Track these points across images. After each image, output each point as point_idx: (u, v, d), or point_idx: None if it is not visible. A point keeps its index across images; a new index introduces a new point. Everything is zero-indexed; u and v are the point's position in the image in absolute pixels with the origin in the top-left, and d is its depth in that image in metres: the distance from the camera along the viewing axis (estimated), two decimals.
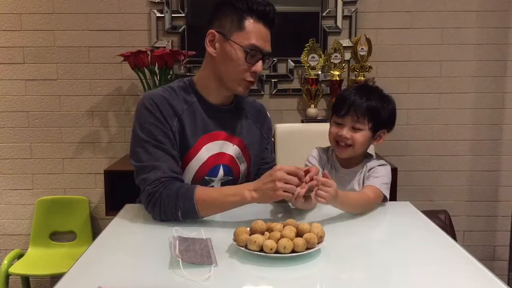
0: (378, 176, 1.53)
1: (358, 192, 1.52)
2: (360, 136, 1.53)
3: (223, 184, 1.53)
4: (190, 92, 1.51)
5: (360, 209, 1.44)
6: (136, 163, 1.42)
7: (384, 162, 1.61)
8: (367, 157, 1.63)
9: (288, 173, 1.27)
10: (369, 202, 1.47)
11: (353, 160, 1.61)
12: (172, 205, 1.34)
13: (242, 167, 1.58)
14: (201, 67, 1.55)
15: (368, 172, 1.57)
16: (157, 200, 1.35)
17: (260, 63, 1.45)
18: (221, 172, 1.52)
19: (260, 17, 1.43)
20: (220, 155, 1.52)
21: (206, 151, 1.49)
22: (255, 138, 1.62)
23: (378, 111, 1.54)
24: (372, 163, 1.59)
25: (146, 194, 1.37)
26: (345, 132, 1.53)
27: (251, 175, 1.63)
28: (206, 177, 1.50)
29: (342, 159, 1.61)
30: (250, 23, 1.42)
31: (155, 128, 1.42)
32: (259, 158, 1.66)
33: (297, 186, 1.28)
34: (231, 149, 1.54)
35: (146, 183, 1.38)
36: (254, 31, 1.42)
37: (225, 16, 1.45)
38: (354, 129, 1.53)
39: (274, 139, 2.32)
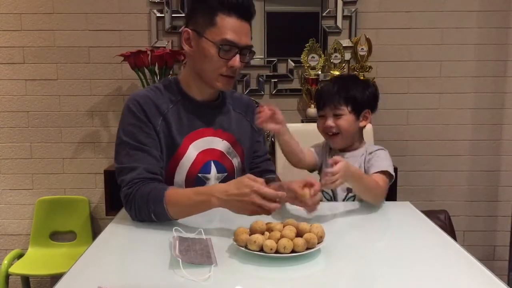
0: (381, 159, 1.57)
1: (371, 176, 1.52)
2: (343, 121, 1.59)
3: (221, 182, 1.52)
4: (175, 91, 1.51)
5: (371, 193, 1.47)
6: (117, 165, 1.44)
7: (383, 147, 1.65)
8: (365, 143, 1.67)
9: (265, 197, 1.21)
10: (381, 189, 1.49)
11: (349, 147, 1.65)
12: (145, 207, 1.34)
13: (235, 161, 1.57)
14: (184, 66, 1.56)
15: (369, 155, 1.60)
16: (132, 202, 1.36)
17: (237, 57, 1.43)
18: (213, 168, 1.52)
19: (232, 9, 1.40)
20: (209, 151, 1.52)
21: (194, 149, 1.49)
22: (245, 131, 1.62)
23: (352, 93, 1.59)
24: (372, 147, 1.65)
25: (123, 196, 1.39)
26: (329, 121, 1.60)
27: (246, 169, 1.63)
28: (199, 175, 1.50)
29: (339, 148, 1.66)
30: (222, 18, 1.40)
31: (137, 129, 1.43)
32: (252, 152, 1.66)
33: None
34: (221, 144, 1.54)
35: (123, 184, 1.40)
36: (226, 26, 1.40)
37: (197, 13, 1.45)
38: (336, 116, 1.59)
39: (274, 139, 2.32)
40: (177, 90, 1.52)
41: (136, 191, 1.36)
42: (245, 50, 1.46)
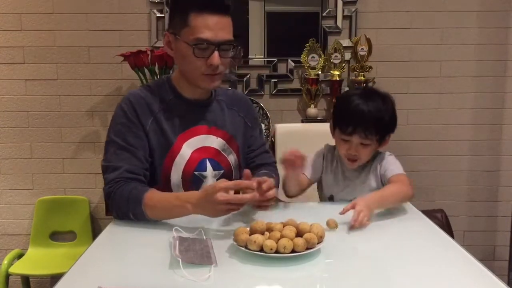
0: (391, 164, 1.57)
1: (389, 186, 1.51)
2: (369, 150, 1.54)
3: (219, 179, 1.52)
4: (167, 90, 1.52)
5: (402, 198, 1.48)
6: (103, 162, 1.46)
7: (390, 152, 1.64)
8: (376, 154, 1.63)
9: (229, 190, 1.23)
10: (405, 186, 1.49)
11: None
12: (124, 207, 1.37)
13: (231, 158, 1.57)
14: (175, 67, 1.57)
15: (381, 164, 1.59)
16: (112, 200, 1.39)
17: (215, 54, 1.39)
18: (209, 166, 1.52)
19: (203, 6, 1.37)
20: (203, 149, 1.52)
21: (188, 147, 1.49)
22: (239, 128, 1.62)
23: (383, 122, 1.52)
24: (381, 156, 1.61)
25: (105, 194, 1.42)
26: (354, 150, 1.53)
27: (242, 165, 1.63)
28: (195, 173, 1.50)
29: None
30: (194, 17, 1.38)
31: (126, 129, 1.45)
32: (246, 147, 1.65)
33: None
34: (215, 142, 1.54)
35: (105, 182, 1.43)
36: (198, 24, 1.38)
37: (174, 15, 1.45)
38: (362, 144, 1.53)
39: (274, 139, 2.32)
40: (170, 89, 1.52)
41: (116, 190, 1.38)
42: (225, 46, 1.42)
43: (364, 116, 1.49)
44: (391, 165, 1.57)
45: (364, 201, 1.35)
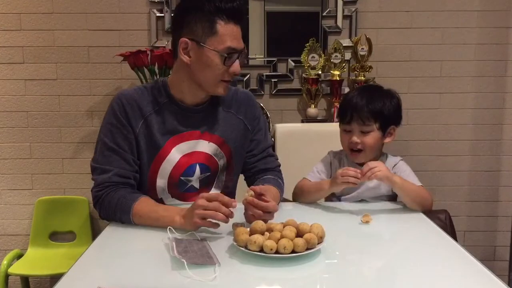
0: (408, 174, 1.58)
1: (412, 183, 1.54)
2: (370, 138, 1.55)
3: (202, 181, 1.52)
4: (162, 94, 1.50)
5: (419, 199, 1.50)
6: (92, 163, 1.48)
7: (400, 157, 1.65)
8: (382, 156, 1.64)
9: (209, 200, 1.25)
10: (428, 198, 1.53)
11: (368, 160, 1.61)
12: (112, 212, 1.40)
13: (221, 162, 1.56)
14: (174, 71, 1.53)
15: (393, 169, 1.58)
16: (100, 204, 1.42)
17: (237, 62, 1.43)
18: (197, 171, 1.52)
19: (230, 16, 1.40)
20: (194, 154, 1.51)
21: (177, 152, 1.49)
22: (236, 130, 1.58)
23: (381, 109, 1.55)
24: (391, 160, 1.62)
25: (93, 196, 1.45)
26: (355, 137, 1.55)
27: (234, 169, 1.61)
28: (181, 178, 1.50)
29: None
30: (222, 25, 1.39)
31: (116, 130, 1.44)
32: (244, 151, 1.61)
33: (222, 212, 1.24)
34: (207, 146, 1.52)
35: (94, 184, 1.45)
36: (227, 33, 1.40)
37: (194, 22, 1.41)
38: (363, 132, 1.55)
39: (274, 139, 2.32)
40: (164, 93, 1.50)
41: (105, 195, 1.40)
42: (242, 53, 1.45)
43: (360, 103, 1.54)
44: (409, 176, 1.57)
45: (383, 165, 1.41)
